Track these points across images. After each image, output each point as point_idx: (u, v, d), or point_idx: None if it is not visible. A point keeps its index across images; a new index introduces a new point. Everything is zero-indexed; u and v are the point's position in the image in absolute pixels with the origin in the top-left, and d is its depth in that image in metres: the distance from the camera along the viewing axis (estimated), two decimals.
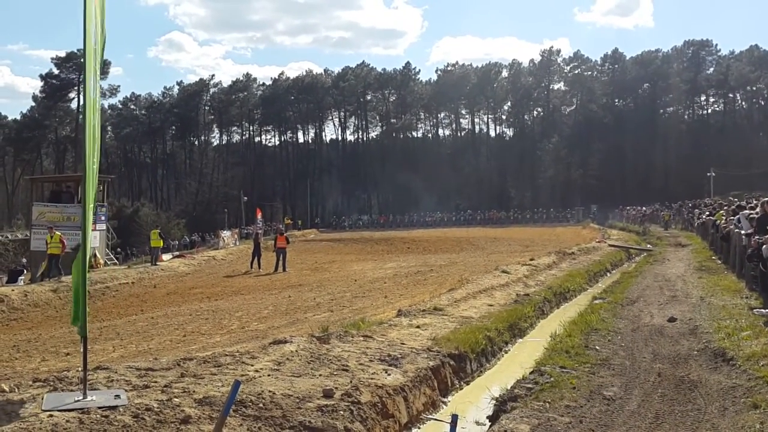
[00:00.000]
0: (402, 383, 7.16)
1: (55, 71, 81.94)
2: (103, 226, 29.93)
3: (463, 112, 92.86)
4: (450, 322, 10.78)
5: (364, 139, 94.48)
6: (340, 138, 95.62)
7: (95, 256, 26.20)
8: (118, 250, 46.29)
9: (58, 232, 22.31)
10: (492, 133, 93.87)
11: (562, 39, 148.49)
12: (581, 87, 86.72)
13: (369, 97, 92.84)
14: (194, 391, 6.00)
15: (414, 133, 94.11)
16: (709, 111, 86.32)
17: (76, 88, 78.75)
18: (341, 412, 5.86)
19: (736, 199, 29.93)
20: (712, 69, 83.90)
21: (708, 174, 59.10)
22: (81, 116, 53.56)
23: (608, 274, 21.84)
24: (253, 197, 71.08)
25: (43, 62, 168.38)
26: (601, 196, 67.08)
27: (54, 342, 12.15)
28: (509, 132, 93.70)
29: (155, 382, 6.31)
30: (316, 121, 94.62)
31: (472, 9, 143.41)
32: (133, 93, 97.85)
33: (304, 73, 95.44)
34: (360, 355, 7.96)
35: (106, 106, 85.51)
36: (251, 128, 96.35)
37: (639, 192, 66.39)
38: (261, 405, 5.76)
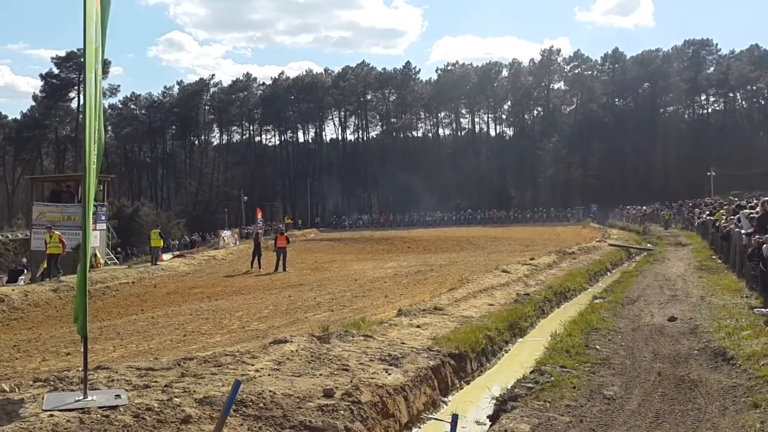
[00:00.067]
0: (402, 383, 7.16)
1: (55, 71, 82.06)
2: (104, 226, 29.92)
3: (463, 111, 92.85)
4: (450, 322, 10.78)
5: (365, 138, 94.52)
6: (340, 137, 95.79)
7: (95, 255, 26.20)
8: (119, 249, 46.32)
9: (57, 232, 22.32)
10: (492, 133, 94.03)
11: (562, 38, 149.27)
12: (581, 86, 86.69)
13: (369, 97, 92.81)
14: (195, 391, 6.00)
15: (414, 133, 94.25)
16: (710, 110, 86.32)
17: (76, 87, 78.79)
18: (342, 412, 5.87)
19: (736, 199, 29.99)
20: (712, 68, 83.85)
21: (708, 173, 59.08)
22: (81, 116, 53.61)
23: (608, 274, 21.84)
24: (253, 197, 71.10)
25: (44, 62, 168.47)
26: (602, 195, 67.08)
27: (54, 342, 12.15)
28: (509, 131, 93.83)
29: (156, 381, 6.31)
30: (316, 121, 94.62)
31: (472, 8, 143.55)
32: (133, 92, 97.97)
33: (304, 73, 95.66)
34: (360, 355, 7.96)
35: (106, 105, 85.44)
36: (251, 128, 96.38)
37: (639, 191, 66.33)
38: (261, 405, 5.76)
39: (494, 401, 6.99)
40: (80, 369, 6.16)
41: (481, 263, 23.66)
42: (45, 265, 22.71)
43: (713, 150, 72.09)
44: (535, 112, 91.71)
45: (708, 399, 6.40)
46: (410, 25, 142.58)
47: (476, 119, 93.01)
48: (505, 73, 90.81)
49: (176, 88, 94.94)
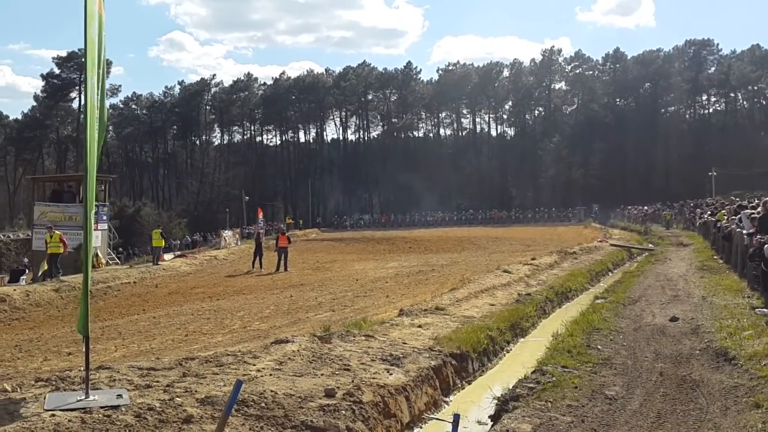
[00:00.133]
0: (404, 383, 7.16)
1: (57, 71, 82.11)
2: (105, 226, 29.93)
3: (465, 111, 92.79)
4: (452, 322, 10.79)
5: (366, 138, 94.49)
6: (341, 137, 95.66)
7: (97, 255, 26.22)
8: (120, 249, 46.36)
9: (57, 232, 22.31)
10: (493, 133, 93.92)
11: (563, 38, 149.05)
12: (582, 86, 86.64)
13: (370, 97, 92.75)
14: (196, 391, 6.00)
15: (415, 133, 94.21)
16: (711, 110, 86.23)
17: (77, 87, 78.83)
18: (343, 412, 5.87)
19: (737, 199, 29.96)
20: (713, 68, 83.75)
21: (709, 173, 59.01)
22: (82, 116, 53.61)
23: (610, 274, 21.83)
24: (254, 197, 71.05)
25: (45, 62, 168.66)
26: (603, 195, 67.03)
27: (56, 341, 12.16)
28: (510, 131, 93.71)
29: (157, 381, 6.31)
30: (317, 121, 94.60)
31: (473, 8, 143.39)
32: (134, 92, 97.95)
33: (305, 73, 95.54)
34: (362, 355, 7.96)
35: (107, 105, 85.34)
36: (252, 128, 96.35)
37: (640, 191, 66.29)
38: (263, 404, 5.76)
39: (496, 401, 6.99)
40: (82, 369, 6.16)
41: (483, 263, 23.66)
42: (46, 265, 22.71)
43: (714, 150, 72.04)
44: (536, 112, 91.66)
45: (710, 399, 6.40)
46: (411, 25, 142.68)
47: (477, 119, 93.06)
48: (506, 73, 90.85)
49: (177, 88, 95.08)
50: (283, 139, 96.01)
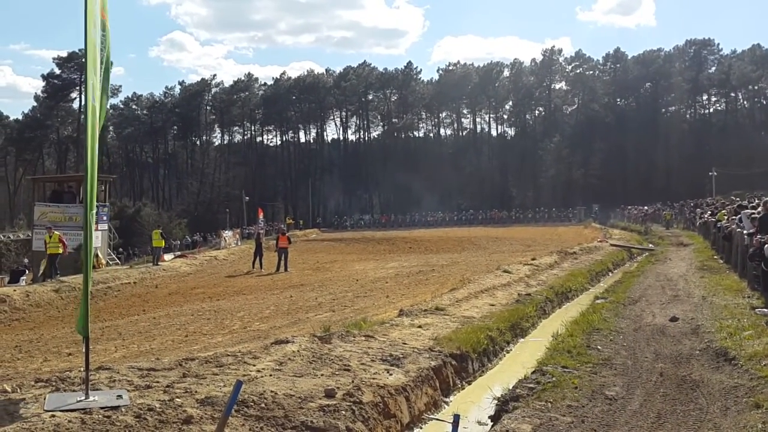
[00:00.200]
0: (404, 383, 7.16)
1: (57, 71, 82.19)
2: (105, 227, 29.94)
3: (465, 111, 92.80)
4: (452, 322, 10.78)
5: (366, 138, 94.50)
6: (341, 138, 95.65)
7: (97, 256, 26.22)
8: (120, 250, 46.37)
9: (57, 232, 22.30)
10: (493, 133, 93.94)
11: (563, 38, 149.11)
12: (583, 86, 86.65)
13: (370, 97, 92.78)
14: (196, 392, 6.00)
15: (415, 133, 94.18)
16: (711, 110, 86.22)
17: (77, 88, 78.88)
18: (343, 412, 5.87)
19: (737, 199, 29.95)
20: (713, 68, 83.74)
21: (710, 173, 58.96)
22: (83, 116, 53.62)
23: (610, 274, 21.83)
24: (254, 197, 71.08)
25: (45, 62, 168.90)
26: (603, 195, 67.02)
27: (56, 342, 12.17)
28: (511, 131, 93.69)
29: (157, 382, 6.32)
30: (317, 121, 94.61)
31: (474, 8, 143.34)
32: (134, 93, 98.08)
33: (306, 73, 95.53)
34: (362, 355, 7.96)
35: (108, 106, 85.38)
36: (253, 128, 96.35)
37: (641, 191, 66.30)
38: (263, 405, 5.76)
39: (496, 401, 6.99)
40: (82, 369, 6.16)
41: (483, 263, 23.67)
42: (45, 266, 22.71)
43: (715, 150, 72.02)
44: (537, 112, 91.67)
45: (710, 399, 6.40)
46: (412, 25, 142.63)
47: (478, 119, 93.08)
48: (506, 73, 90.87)
49: (178, 89, 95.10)
50: (284, 139, 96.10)
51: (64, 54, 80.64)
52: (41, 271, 23.79)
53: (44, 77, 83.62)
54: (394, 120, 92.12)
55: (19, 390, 5.99)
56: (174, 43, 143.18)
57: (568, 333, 9.59)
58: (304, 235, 52.18)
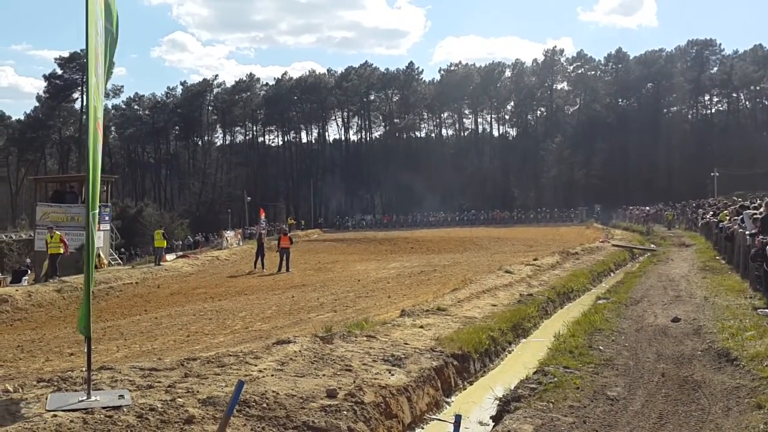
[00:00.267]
0: (405, 383, 7.16)
1: (59, 71, 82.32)
2: (107, 227, 29.98)
3: (466, 111, 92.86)
4: (453, 322, 10.78)
5: (368, 139, 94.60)
6: (343, 138, 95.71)
7: (99, 256, 26.23)
8: (122, 250, 46.42)
9: (58, 232, 22.33)
10: (495, 133, 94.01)
11: (565, 38, 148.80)
12: (584, 87, 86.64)
13: (372, 97, 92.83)
14: (198, 392, 6.01)
15: (417, 133, 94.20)
16: (713, 110, 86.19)
17: (79, 88, 78.97)
18: (345, 413, 5.87)
19: (739, 199, 29.89)
20: (715, 68, 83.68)
21: (711, 174, 58.93)
22: (84, 116, 53.70)
23: (612, 274, 21.81)
24: (256, 197, 71.12)
25: (47, 62, 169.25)
26: (605, 195, 66.92)
27: (58, 342, 12.18)
28: (512, 132, 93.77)
29: (159, 382, 6.32)
30: (319, 121, 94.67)
31: (475, 9, 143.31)
32: (136, 93, 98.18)
33: (307, 73, 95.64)
34: (363, 355, 7.96)
35: (109, 106, 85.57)
36: (254, 128, 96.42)
37: (642, 192, 66.28)
38: (264, 405, 5.76)
39: (497, 402, 6.99)
40: (84, 369, 6.17)
41: (485, 264, 23.66)
42: (47, 266, 22.73)
43: (716, 150, 71.98)
44: (539, 112, 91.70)
45: (711, 400, 6.39)
46: (413, 25, 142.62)
47: (479, 119, 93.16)
48: (508, 73, 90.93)
49: (179, 89, 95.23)
50: (285, 139, 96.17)
51: (65, 54, 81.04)
52: (43, 272, 23.81)
53: (46, 77, 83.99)
54: (395, 120, 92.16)
55: (21, 390, 6.00)
56: (176, 44, 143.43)
57: (570, 333, 9.58)
58: (305, 236, 52.19)
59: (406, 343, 8.88)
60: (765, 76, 77.70)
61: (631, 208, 56.03)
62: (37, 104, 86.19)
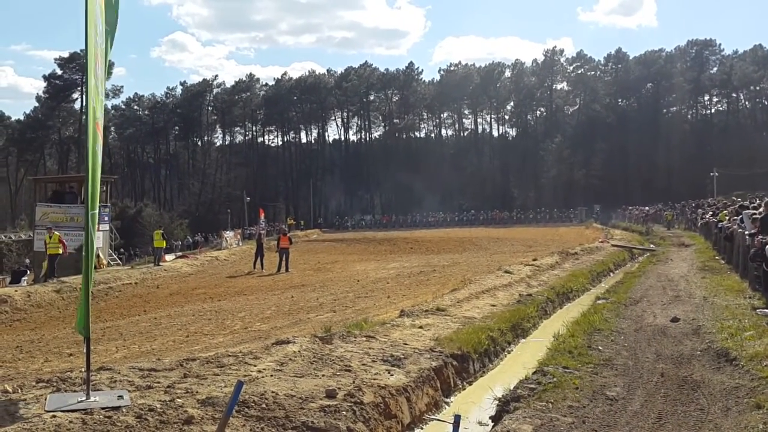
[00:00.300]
0: (405, 384, 7.16)
1: (59, 72, 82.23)
2: (106, 227, 29.97)
3: (466, 112, 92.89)
4: (453, 323, 10.78)
5: (367, 139, 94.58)
6: (342, 138, 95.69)
7: (98, 256, 26.22)
8: (121, 250, 46.39)
9: (57, 232, 22.32)
10: (495, 133, 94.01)
11: (565, 39, 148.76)
12: (584, 87, 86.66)
13: (372, 98, 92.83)
14: (197, 392, 6.01)
15: (417, 133, 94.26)
16: (713, 111, 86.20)
17: (79, 88, 78.90)
18: (344, 413, 5.87)
19: (739, 199, 29.90)
20: (715, 69, 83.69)
21: (711, 174, 58.95)
22: (84, 117, 53.70)
23: (611, 274, 21.81)
24: (255, 197, 71.09)
25: (47, 63, 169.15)
26: (604, 196, 66.94)
27: (57, 343, 12.18)
28: (512, 132, 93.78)
29: (158, 382, 6.32)
30: (318, 122, 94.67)
31: (475, 9, 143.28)
32: (136, 93, 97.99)
33: (307, 74, 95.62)
34: (363, 356, 7.96)
35: (109, 106, 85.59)
36: (254, 128, 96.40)
37: (642, 192, 66.30)
38: (264, 405, 5.76)
39: (497, 402, 6.99)
40: (83, 370, 6.17)
41: (484, 264, 23.66)
42: (46, 266, 22.72)
43: (716, 150, 72.02)
44: (538, 112, 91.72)
45: (711, 400, 6.39)
46: (413, 25, 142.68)
47: (479, 120, 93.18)
48: (507, 73, 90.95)
49: (179, 89, 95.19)
50: (285, 139, 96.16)
51: (65, 54, 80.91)
52: (43, 272, 23.80)
53: (45, 78, 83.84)
54: (395, 120, 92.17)
55: (20, 390, 5.99)
56: (175, 44, 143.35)
57: (569, 333, 9.58)
58: (305, 236, 52.19)
59: (406, 344, 8.88)
60: (765, 76, 77.73)
61: (630, 208, 56.02)
62: (37, 104, 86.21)
